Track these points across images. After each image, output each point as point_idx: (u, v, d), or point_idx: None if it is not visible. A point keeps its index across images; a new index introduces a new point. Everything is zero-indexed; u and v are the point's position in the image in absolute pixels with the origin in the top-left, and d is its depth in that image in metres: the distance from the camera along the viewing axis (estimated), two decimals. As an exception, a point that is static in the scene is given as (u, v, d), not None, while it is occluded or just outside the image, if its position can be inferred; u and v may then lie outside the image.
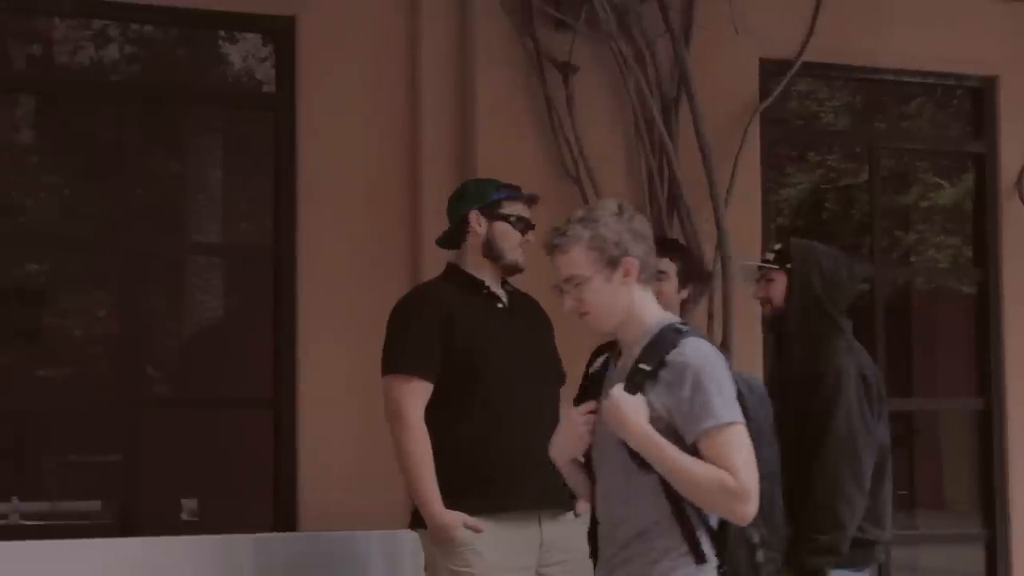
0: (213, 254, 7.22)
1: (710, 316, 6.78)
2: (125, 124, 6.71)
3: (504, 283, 5.41)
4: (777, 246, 5.41)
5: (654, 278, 3.98)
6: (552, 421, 5.28)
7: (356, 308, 6.46)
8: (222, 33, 6.96)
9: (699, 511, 3.77)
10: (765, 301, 5.38)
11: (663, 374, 3.77)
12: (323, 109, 6.60)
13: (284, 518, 6.45)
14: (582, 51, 6.77)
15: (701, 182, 6.81)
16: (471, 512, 5.14)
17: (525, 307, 5.42)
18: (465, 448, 5.21)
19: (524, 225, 5.36)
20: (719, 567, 3.81)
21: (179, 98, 6.89)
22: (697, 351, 3.78)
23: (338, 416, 6.41)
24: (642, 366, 3.79)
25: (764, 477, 3.78)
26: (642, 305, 3.89)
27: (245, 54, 7.01)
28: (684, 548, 3.77)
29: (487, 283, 5.35)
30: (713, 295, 6.80)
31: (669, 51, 6.87)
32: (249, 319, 7.07)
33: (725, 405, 3.72)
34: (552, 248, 3.90)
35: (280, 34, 6.67)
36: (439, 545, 5.16)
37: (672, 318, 3.92)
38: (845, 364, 5.09)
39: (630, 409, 3.74)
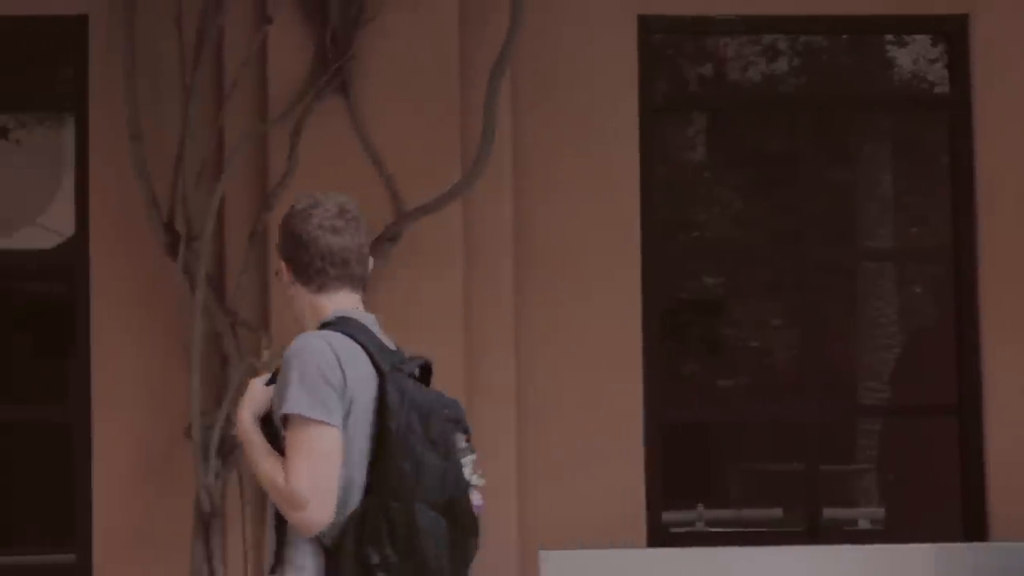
0: (886, 259, 7.19)
1: None
2: (795, 135, 6.80)
3: None
4: None
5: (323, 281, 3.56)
6: None
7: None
8: (889, 37, 6.91)
9: None
10: None
11: None
12: (1001, 107, 6.43)
13: (974, 528, 6.32)
14: None
15: None
16: None
17: None
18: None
19: None
20: None
21: (848, 105, 6.91)
22: (298, 342, 3.48)
23: (1027, 422, 6.22)
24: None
25: (393, 493, 3.37)
26: (313, 309, 3.58)
27: (915, 56, 6.93)
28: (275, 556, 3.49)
29: None
30: None
31: None
32: (926, 325, 6.99)
33: (300, 397, 3.40)
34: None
35: (952, 34, 6.56)
36: None
37: (340, 313, 3.55)
38: None
39: (245, 399, 3.55)
